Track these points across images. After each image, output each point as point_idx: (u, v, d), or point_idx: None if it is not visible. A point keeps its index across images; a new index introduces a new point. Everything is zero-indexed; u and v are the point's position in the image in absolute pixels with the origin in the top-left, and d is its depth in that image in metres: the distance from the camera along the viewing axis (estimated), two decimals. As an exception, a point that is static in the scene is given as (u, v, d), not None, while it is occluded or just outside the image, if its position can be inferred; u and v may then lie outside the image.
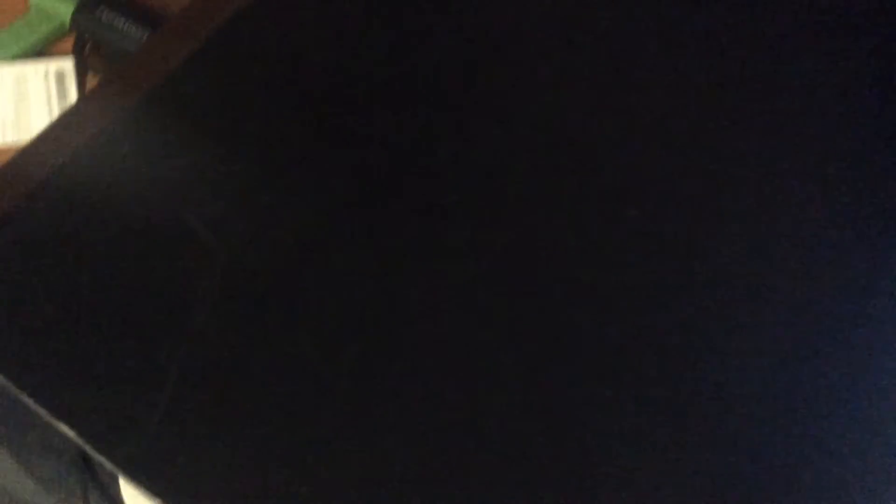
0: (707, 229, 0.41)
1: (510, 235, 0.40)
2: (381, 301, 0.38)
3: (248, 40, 0.45)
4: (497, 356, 0.37)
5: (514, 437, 0.35)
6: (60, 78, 0.85)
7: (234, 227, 0.38)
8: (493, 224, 0.40)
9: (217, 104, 0.43)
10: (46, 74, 0.85)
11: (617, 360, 0.37)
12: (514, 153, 0.43)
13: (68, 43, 0.87)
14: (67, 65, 0.86)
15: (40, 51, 0.87)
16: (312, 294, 0.37)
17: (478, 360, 0.37)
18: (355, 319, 0.37)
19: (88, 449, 0.35)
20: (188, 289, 0.37)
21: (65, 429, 0.36)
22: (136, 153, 0.42)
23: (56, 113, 0.86)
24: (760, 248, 0.41)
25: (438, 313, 0.38)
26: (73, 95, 0.88)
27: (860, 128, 0.46)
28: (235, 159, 0.41)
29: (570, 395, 0.36)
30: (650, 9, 0.49)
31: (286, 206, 0.40)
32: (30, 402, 0.36)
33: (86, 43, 0.86)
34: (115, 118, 0.44)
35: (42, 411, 0.36)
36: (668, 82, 0.47)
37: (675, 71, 0.47)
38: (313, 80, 0.44)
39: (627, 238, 0.40)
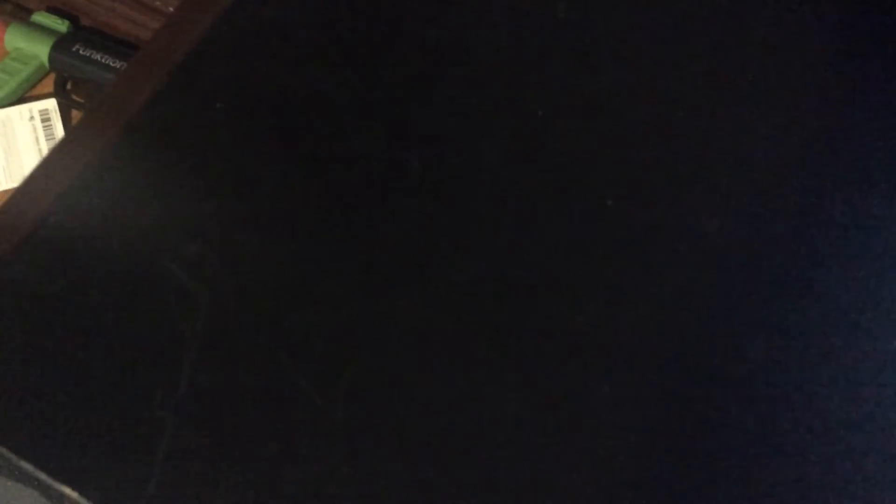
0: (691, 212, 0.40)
1: (493, 240, 0.38)
2: (369, 324, 0.36)
3: (216, 68, 0.44)
4: (493, 367, 0.35)
5: (515, 449, 0.34)
6: (46, 118, 0.84)
7: (213, 266, 0.37)
8: (474, 231, 0.39)
9: (188, 138, 0.42)
10: (31, 116, 0.84)
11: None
12: (493, 161, 0.41)
13: (50, 83, 0.86)
14: (51, 104, 0.85)
15: (24, 93, 0.86)
16: (299, 325, 0.36)
17: (473, 373, 0.35)
18: (345, 346, 0.36)
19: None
20: (174, 335, 0.36)
21: (67, 491, 0.35)
22: (111, 198, 0.41)
23: (46, 153, 0.86)
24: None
25: (428, 329, 0.36)
26: (60, 134, 0.87)
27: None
28: (208, 196, 0.39)
29: (579, 395, 0.35)
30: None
31: (264, 238, 0.38)
32: (28, 466, 0.35)
33: (66, 80, 0.85)
34: (90, 162, 0.43)
35: (42, 475, 0.35)
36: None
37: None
38: (284, 106, 0.43)
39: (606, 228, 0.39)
